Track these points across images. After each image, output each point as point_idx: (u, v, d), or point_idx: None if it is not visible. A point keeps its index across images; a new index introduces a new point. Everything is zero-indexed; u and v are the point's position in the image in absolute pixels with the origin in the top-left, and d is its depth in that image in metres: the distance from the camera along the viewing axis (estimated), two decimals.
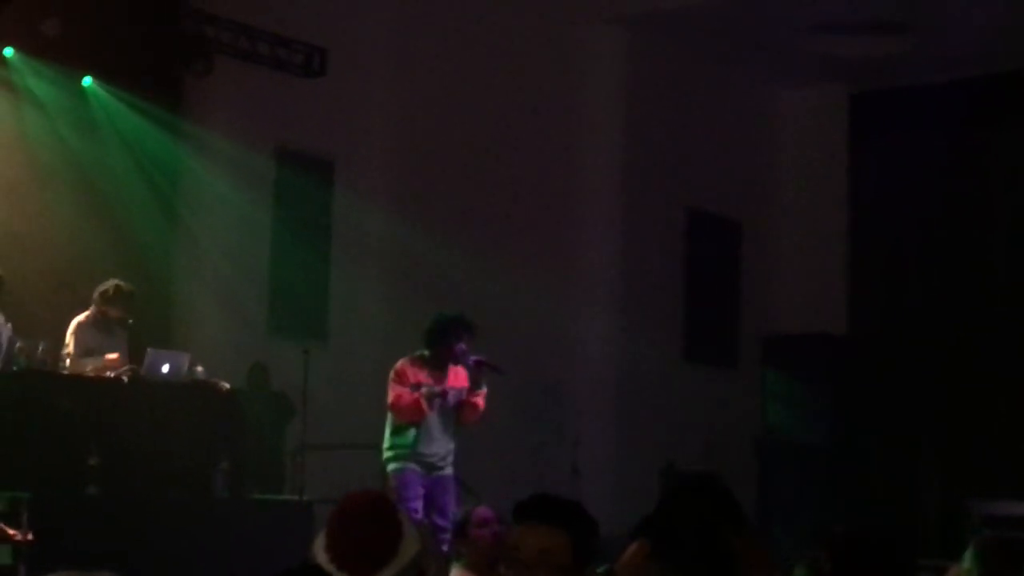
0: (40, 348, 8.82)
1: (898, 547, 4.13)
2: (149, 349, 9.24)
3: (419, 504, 8.53)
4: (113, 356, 9.10)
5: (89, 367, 9.00)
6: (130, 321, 9.43)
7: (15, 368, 8.64)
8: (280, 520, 9.16)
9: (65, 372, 8.92)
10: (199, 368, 9.44)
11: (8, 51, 9.92)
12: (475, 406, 8.64)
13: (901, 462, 12.63)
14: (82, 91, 10.84)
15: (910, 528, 11.75)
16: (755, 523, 11.84)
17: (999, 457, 11.99)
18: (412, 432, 8.57)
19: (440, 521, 8.52)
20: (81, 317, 9.32)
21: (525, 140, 12.38)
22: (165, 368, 9.14)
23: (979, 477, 11.74)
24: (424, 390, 8.48)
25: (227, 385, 9.54)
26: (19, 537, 7.79)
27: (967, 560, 5.74)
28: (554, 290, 12.02)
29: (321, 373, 10.56)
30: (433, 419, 8.56)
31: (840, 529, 4.31)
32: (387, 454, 8.66)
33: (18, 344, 8.76)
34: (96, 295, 9.35)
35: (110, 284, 9.39)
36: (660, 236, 12.63)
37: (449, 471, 8.69)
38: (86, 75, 10.78)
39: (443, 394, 8.56)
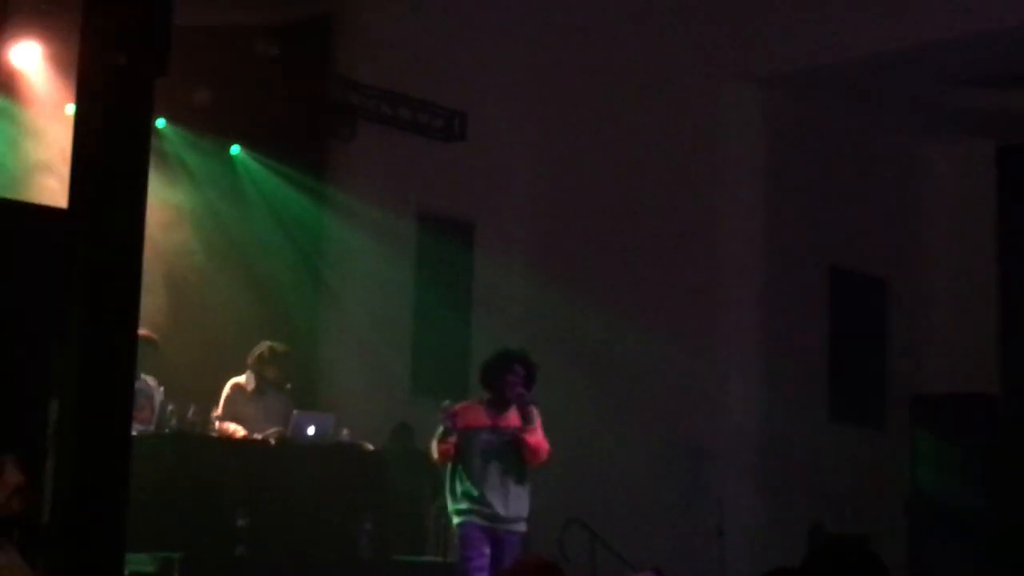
0: (191, 411, 9.01)
1: None
2: (295, 412, 9.37)
3: (483, 563, 7.77)
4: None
5: (228, 432, 9.08)
6: (288, 386, 9.53)
7: (167, 430, 8.83)
8: None
9: (215, 435, 9.07)
10: (344, 430, 9.55)
11: (160, 122, 10.20)
12: (527, 444, 7.90)
13: None
14: (230, 159, 11.12)
15: None
16: None
17: None
18: (466, 477, 7.95)
19: None
20: (238, 379, 9.45)
21: (664, 200, 12.33)
22: (311, 430, 9.25)
23: None
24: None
25: (371, 447, 9.63)
26: None
27: None
28: (697, 350, 11.91)
29: None
30: (482, 464, 7.92)
31: None
32: (448, 505, 8.09)
33: (170, 407, 8.96)
34: (251, 359, 9.49)
35: (263, 346, 9.53)
36: (803, 295, 12.45)
37: (519, 528, 7.98)
38: (234, 144, 11.07)
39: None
